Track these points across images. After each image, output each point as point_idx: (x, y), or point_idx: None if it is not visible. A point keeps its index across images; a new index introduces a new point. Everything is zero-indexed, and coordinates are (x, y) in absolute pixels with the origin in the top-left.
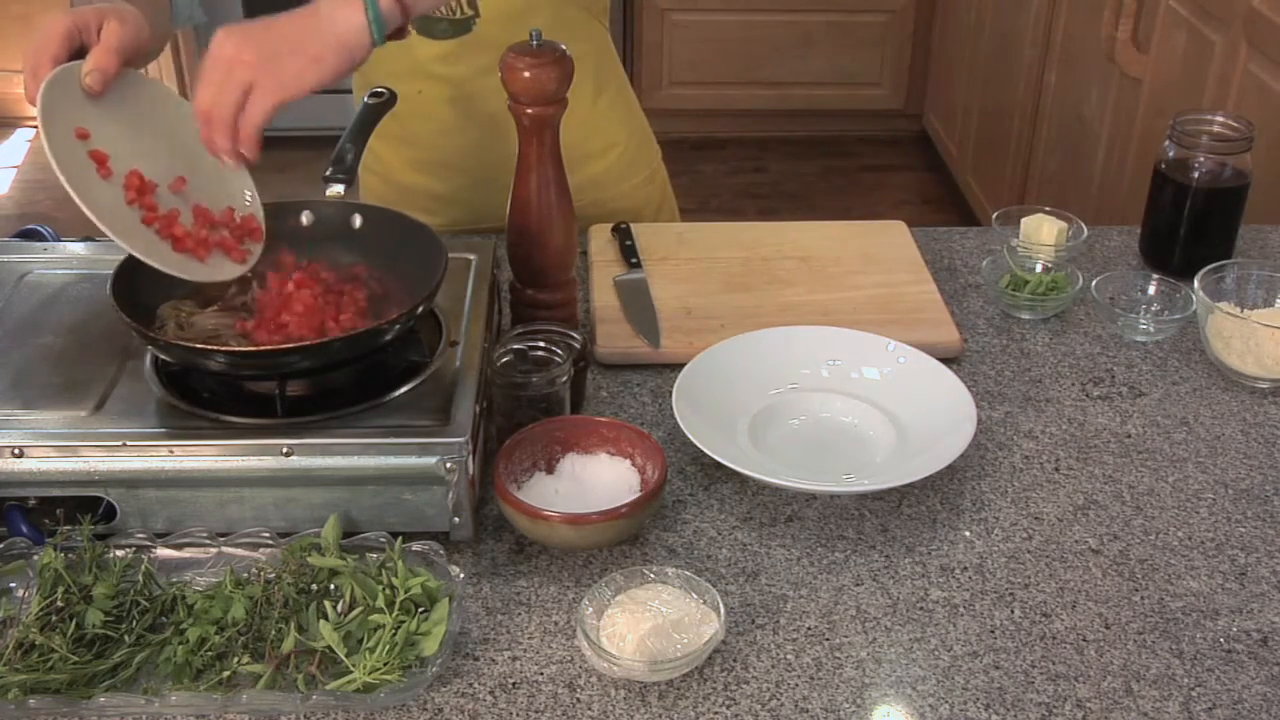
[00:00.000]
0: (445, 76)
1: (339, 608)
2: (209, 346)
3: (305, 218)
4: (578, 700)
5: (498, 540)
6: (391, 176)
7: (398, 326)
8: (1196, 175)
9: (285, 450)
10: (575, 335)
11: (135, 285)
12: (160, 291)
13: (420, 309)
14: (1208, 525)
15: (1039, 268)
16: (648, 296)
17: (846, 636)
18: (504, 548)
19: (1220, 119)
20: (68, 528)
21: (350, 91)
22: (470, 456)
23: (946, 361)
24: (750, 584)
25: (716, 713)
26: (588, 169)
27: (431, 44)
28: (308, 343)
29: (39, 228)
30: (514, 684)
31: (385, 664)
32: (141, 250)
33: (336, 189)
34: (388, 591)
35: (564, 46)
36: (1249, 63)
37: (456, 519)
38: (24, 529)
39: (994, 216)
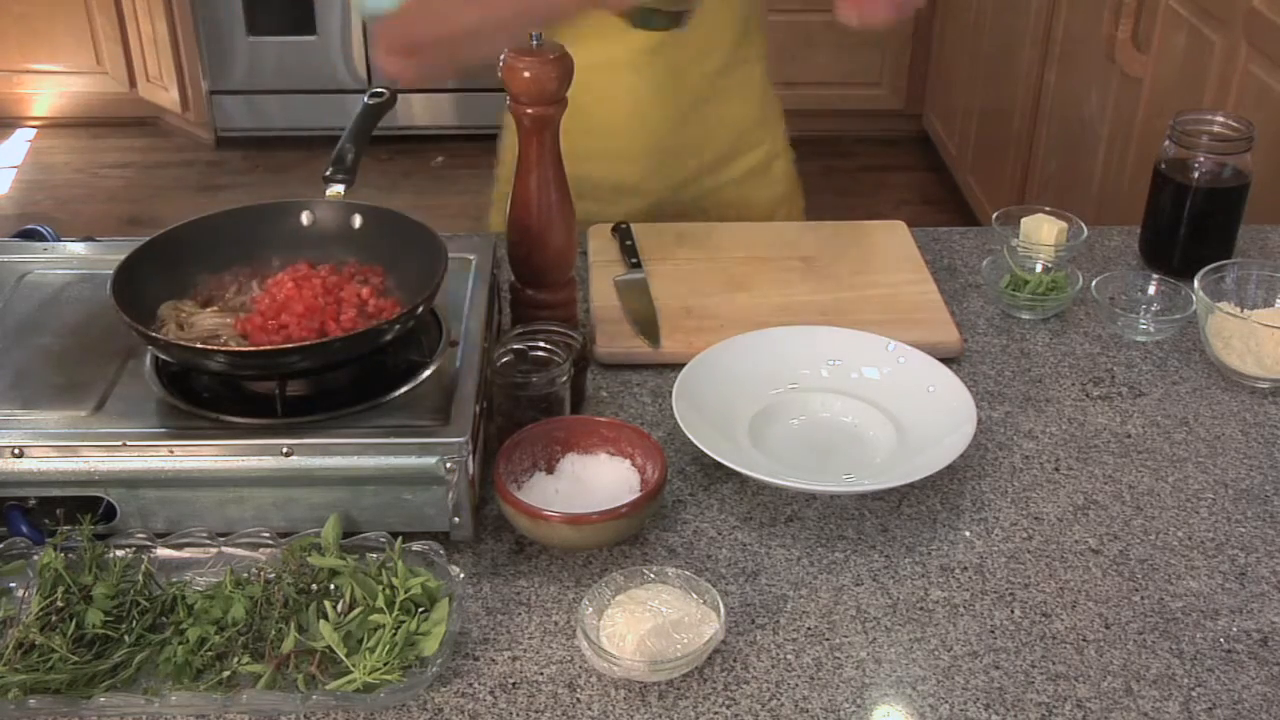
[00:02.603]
0: (647, 65)
1: (339, 608)
2: (209, 346)
3: (305, 218)
4: (578, 700)
5: (498, 540)
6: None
7: (397, 326)
8: (1196, 175)
9: (285, 450)
10: (575, 335)
11: (135, 285)
12: (160, 291)
13: (420, 309)
14: (1208, 525)
15: (1039, 268)
16: (648, 296)
17: (846, 636)
18: (504, 548)
19: (1220, 119)
20: (68, 528)
21: (350, 91)
22: (470, 456)
23: (946, 361)
24: (750, 584)
25: (716, 713)
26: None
27: (643, 35)
28: (308, 343)
29: (39, 228)
30: (514, 684)
31: (385, 664)
32: None
33: (336, 189)
34: (388, 591)
35: (564, 46)
36: (1249, 63)
37: (456, 519)
38: (24, 529)
39: (994, 216)
